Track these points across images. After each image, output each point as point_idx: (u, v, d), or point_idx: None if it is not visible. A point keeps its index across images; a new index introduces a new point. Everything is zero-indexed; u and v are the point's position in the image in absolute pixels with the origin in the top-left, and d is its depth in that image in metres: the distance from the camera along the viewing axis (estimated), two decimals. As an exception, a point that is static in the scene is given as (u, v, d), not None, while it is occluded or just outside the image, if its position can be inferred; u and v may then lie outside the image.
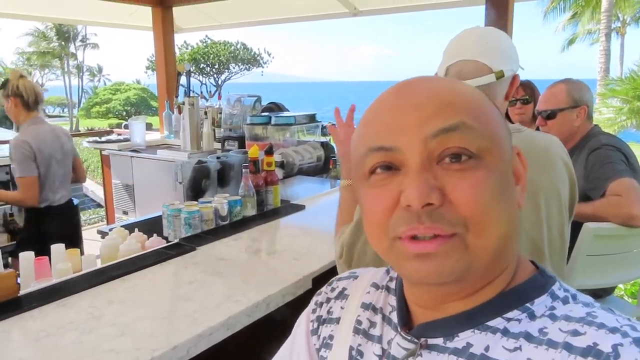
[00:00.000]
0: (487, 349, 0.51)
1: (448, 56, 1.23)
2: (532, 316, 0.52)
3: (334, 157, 2.82)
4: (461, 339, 0.53)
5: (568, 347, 0.47)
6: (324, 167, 2.93)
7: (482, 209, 0.49)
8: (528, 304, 0.52)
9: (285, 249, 1.77)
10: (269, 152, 2.08)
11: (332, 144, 3.07)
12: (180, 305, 1.28)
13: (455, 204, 0.49)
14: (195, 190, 2.22)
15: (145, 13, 4.67)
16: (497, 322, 0.52)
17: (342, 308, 0.68)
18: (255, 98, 3.44)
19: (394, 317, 0.61)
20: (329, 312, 0.69)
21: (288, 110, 3.48)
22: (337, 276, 0.74)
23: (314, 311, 0.71)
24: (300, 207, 2.13)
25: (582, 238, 1.74)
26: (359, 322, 0.64)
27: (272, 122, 3.03)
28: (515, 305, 0.53)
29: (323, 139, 3.19)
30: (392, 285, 0.65)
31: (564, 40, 23.05)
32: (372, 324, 0.63)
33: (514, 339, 0.50)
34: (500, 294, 0.54)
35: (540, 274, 0.56)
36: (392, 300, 0.63)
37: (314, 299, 0.73)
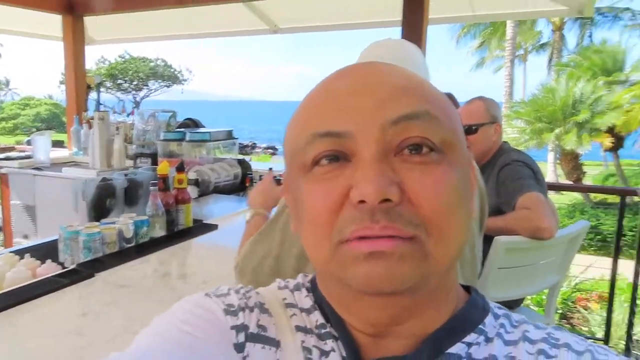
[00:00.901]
0: None
1: None
2: (487, 339, 0.48)
3: (251, 174, 2.75)
4: None
5: None
6: (240, 185, 2.84)
7: (445, 211, 0.43)
8: (481, 326, 0.48)
9: (194, 272, 1.65)
10: (180, 168, 1.96)
11: (250, 162, 3.00)
12: (67, 341, 1.13)
13: (415, 203, 0.42)
14: (99, 211, 2.05)
15: (56, 22, 4.38)
16: (459, 349, 0.47)
17: (274, 325, 0.51)
18: (170, 113, 3.29)
19: (339, 348, 0.49)
20: (259, 326, 0.50)
21: (204, 127, 3.36)
22: (235, 287, 0.56)
23: (228, 313, 0.50)
24: (213, 227, 2.02)
25: (494, 251, 1.78)
26: (307, 349, 0.49)
27: (187, 138, 2.90)
28: (471, 328, 0.48)
29: (240, 156, 3.10)
30: (319, 312, 0.52)
31: (472, 64, 24.77)
32: (325, 354, 0.49)
33: None
34: (455, 315, 0.49)
35: (475, 292, 0.53)
36: (329, 327, 0.51)
37: (216, 299, 0.52)
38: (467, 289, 0.54)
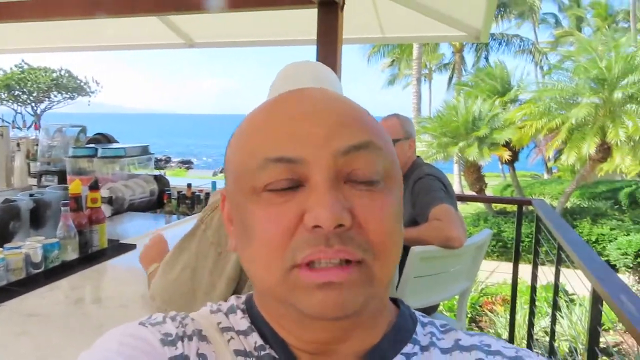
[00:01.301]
0: None
1: (279, 90, 1.23)
2: (422, 348, 0.51)
3: (169, 191, 2.68)
4: None
5: None
6: (157, 201, 2.75)
7: (388, 235, 0.46)
8: (414, 336, 0.51)
9: (112, 296, 1.58)
10: (94, 187, 1.86)
11: (167, 177, 2.92)
12: (-28, 377, 1.04)
13: (364, 227, 0.45)
14: (2, 235, 1.89)
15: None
16: None
17: (214, 353, 0.50)
18: (80, 128, 3.13)
19: None
20: (200, 355, 0.49)
21: (117, 142, 3.22)
22: (170, 313, 0.54)
23: (165, 343, 0.48)
24: (130, 247, 1.94)
25: (410, 261, 1.88)
26: None
27: (99, 154, 2.76)
28: (406, 339, 0.51)
29: (156, 172, 3.00)
30: (256, 334, 0.51)
31: (383, 82, 25.96)
32: None
33: None
34: (391, 328, 0.52)
35: (402, 303, 0.56)
36: (268, 349, 0.50)
37: (152, 329, 0.50)
38: (394, 301, 0.57)
